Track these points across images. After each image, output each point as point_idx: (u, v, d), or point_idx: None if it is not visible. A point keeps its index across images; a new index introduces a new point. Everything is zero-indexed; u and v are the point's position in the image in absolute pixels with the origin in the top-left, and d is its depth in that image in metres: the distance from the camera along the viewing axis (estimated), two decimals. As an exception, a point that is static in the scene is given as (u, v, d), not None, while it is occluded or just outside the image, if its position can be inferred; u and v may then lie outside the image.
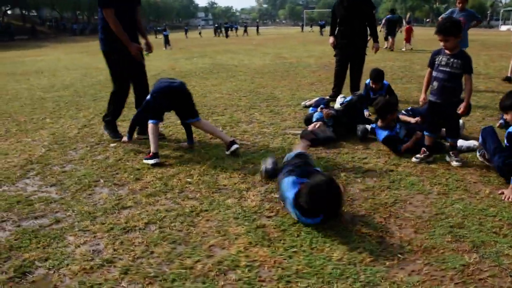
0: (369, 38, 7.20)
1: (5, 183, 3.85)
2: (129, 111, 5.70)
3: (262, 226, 2.86)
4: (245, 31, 48.67)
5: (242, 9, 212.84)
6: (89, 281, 2.31)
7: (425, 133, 4.15)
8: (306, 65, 12.68)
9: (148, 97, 4.52)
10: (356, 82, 7.30)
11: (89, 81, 10.67)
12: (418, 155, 4.13)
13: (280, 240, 2.68)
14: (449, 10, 8.20)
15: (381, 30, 17.64)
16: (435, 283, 2.24)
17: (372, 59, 13.02)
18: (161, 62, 14.85)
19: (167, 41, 26.26)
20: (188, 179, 3.73)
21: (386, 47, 18.28)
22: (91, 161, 4.37)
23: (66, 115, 6.62)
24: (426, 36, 25.22)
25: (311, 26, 67.76)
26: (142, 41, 5.04)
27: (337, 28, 7.16)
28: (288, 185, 2.94)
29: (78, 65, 15.23)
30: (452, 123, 4.05)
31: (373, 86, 6.16)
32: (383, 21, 19.80)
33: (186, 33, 48.58)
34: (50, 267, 2.47)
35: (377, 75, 6.12)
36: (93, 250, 2.64)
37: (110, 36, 4.67)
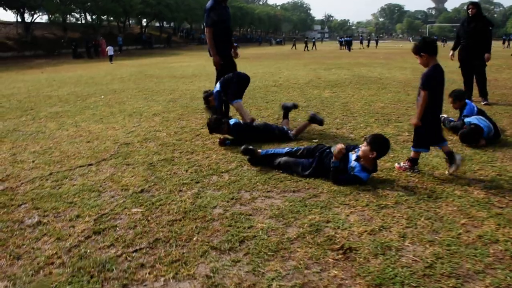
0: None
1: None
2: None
3: (500, 214, 3.32)
4: (314, 44, 49.18)
5: (358, 23, 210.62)
6: (376, 240, 2.94)
7: None
8: (451, 81, 12.63)
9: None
10: (482, 89, 8.61)
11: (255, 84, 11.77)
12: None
13: (524, 226, 3.12)
14: None
15: None
16: None
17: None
18: (303, 72, 15.76)
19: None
20: (408, 173, 4.30)
21: None
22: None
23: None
24: None
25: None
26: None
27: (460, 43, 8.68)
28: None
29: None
30: None
31: None
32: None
33: (306, 46, 47.25)
34: (335, 227, 3.16)
35: None
36: (361, 218, 3.30)
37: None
